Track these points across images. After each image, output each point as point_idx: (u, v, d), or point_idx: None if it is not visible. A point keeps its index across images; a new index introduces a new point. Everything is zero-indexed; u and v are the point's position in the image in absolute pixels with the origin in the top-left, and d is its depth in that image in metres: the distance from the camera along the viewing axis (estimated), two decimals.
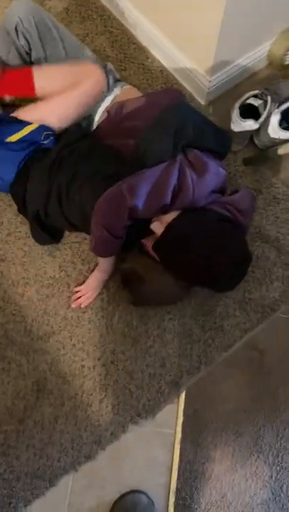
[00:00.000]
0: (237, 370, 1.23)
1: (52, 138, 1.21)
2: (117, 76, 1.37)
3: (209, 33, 1.26)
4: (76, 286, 1.30)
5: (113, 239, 1.08)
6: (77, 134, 1.23)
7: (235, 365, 1.23)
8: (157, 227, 1.09)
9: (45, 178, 1.16)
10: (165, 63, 1.55)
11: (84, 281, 1.29)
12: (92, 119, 1.27)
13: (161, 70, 1.55)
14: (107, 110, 1.27)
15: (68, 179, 1.14)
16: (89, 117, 1.28)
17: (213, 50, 1.30)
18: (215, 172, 1.09)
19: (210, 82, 1.41)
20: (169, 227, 1.06)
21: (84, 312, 1.28)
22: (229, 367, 1.23)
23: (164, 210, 1.07)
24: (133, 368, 1.23)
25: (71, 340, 1.26)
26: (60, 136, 1.23)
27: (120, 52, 1.58)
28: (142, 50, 1.58)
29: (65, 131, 1.23)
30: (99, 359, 1.24)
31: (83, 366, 1.24)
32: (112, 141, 1.22)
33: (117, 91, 1.30)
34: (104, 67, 1.34)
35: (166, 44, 1.48)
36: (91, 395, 1.22)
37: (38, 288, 1.30)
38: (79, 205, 1.13)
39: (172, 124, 1.11)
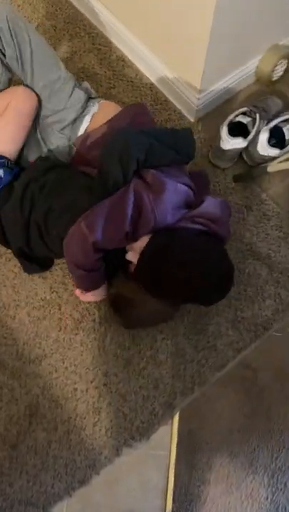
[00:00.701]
0: (230, 389, 1.22)
1: (5, 168, 1.17)
2: (93, 94, 1.36)
3: (197, 51, 1.26)
4: (67, 307, 1.29)
5: (90, 273, 1.09)
6: (43, 167, 1.21)
7: (229, 385, 1.23)
8: (132, 256, 1.08)
9: (19, 217, 1.15)
10: (154, 81, 1.55)
11: (75, 303, 1.29)
12: (72, 142, 1.27)
13: (150, 87, 1.55)
14: (73, 142, 1.26)
15: (44, 215, 1.13)
16: (69, 139, 1.27)
17: (201, 68, 1.30)
18: (173, 190, 1.07)
19: (198, 99, 1.42)
20: (142, 256, 1.05)
21: (76, 334, 1.27)
22: (222, 387, 1.22)
23: (132, 237, 1.05)
24: (126, 390, 1.22)
25: (63, 363, 1.25)
26: (21, 170, 1.21)
27: (109, 69, 1.58)
28: (130, 67, 1.58)
29: (27, 166, 1.22)
30: (91, 382, 1.23)
31: (76, 389, 1.23)
32: (86, 167, 1.22)
33: (94, 109, 1.29)
34: (80, 85, 1.34)
35: (155, 61, 1.48)
36: (84, 418, 1.21)
37: (29, 310, 1.29)
38: (58, 238, 1.12)
39: (115, 152, 1.06)
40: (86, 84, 1.36)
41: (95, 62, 1.59)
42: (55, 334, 1.27)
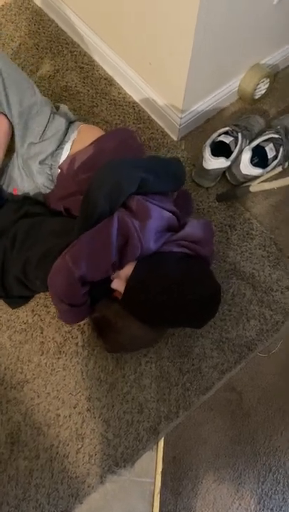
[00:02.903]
0: (216, 413, 1.21)
1: None
2: (72, 118, 1.34)
3: (178, 71, 1.26)
4: (50, 330, 1.27)
5: (76, 308, 1.07)
6: (12, 216, 1.18)
7: (214, 409, 1.21)
8: (118, 284, 1.07)
9: None
10: (137, 99, 1.55)
11: (58, 326, 1.27)
12: (54, 172, 1.25)
13: (133, 106, 1.55)
14: (59, 166, 1.24)
15: (22, 268, 1.12)
16: (51, 168, 1.25)
17: (183, 88, 1.30)
18: (158, 217, 1.06)
19: (181, 118, 1.42)
20: (129, 284, 1.04)
21: (58, 358, 1.25)
22: (208, 410, 1.21)
23: (118, 265, 1.04)
24: (110, 415, 1.20)
25: (46, 388, 1.22)
26: None
27: (92, 88, 1.58)
28: (113, 85, 1.58)
29: (9, 198, 1.20)
30: (74, 407, 1.20)
31: (58, 415, 1.20)
32: (69, 199, 1.19)
33: (73, 136, 1.27)
34: (58, 109, 1.32)
35: (137, 80, 1.48)
36: (67, 445, 1.18)
37: (11, 334, 1.27)
38: (43, 285, 1.11)
39: (105, 186, 1.05)
40: (64, 107, 1.34)
41: (78, 80, 1.59)
42: (37, 358, 1.25)
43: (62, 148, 1.24)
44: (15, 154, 1.28)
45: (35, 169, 1.25)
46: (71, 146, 1.25)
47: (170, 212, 1.11)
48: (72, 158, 1.22)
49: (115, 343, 1.16)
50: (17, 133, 1.23)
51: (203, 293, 1.06)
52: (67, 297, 1.06)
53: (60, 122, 1.25)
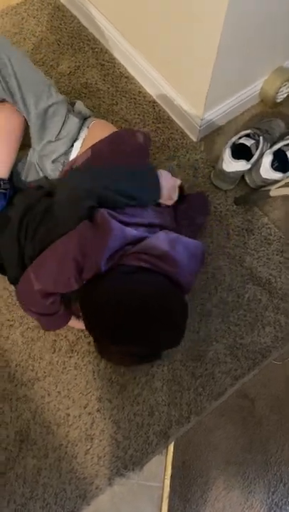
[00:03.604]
0: (227, 419, 1.19)
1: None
2: (87, 114, 1.32)
3: (202, 72, 1.25)
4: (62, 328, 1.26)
5: (45, 316, 1.08)
6: (38, 194, 1.18)
7: (226, 415, 1.19)
8: None
9: (15, 247, 1.13)
10: (157, 98, 1.53)
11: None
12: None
13: (153, 105, 1.53)
14: (60, 173, 1.23)
15: (32, 254, 1.11)
16: (63, 165, 1.23)
17: (206, 90, 1.29)
18: (120, 236, 1.00)
19: (202, 119, 1.40)
20: (79, 301, 1.04)
21: (70, 357, 1.24)
22: (219, 416, 1.19)
23: (80, 280, 1.01)
24: (120, 417, 1.18)
25: (56, 386, 1.21)
26: (16, 197, 1.19)
27: (112, 85, 1.57)
28: (133, 84, 1.56)
29: (22, 193, 1.20)
30: (85, 407, 1.19)
31: (68, 415, 1.19)
32: None
33: (83, 134, 1.25)
34: (73, 107, 1.31)
35: (159, 79, 1.47)
36: (76, 445, 1.17)
37: (23, 330, 1.26)
38: None
39: (65, 199, 1.06)
40: (80, 105, 1.32)
41: (98, 77, 1.58)
42: (48, 356, 1.24)
43: (73, 146, 1.24)
44: (31, 150, 1.27)
45: (49, 168, 1.24)
46: (81, 143, 1.24)
47: (145, 225, 1.07)
48: (72, 161, 1.21)
49: (105, 357, 1.17)
50: (34, 131, 1.22)
51: (154, 311, 0.96)
52: (33, 306, 1.08)
53: (73, 122, 1.23)
